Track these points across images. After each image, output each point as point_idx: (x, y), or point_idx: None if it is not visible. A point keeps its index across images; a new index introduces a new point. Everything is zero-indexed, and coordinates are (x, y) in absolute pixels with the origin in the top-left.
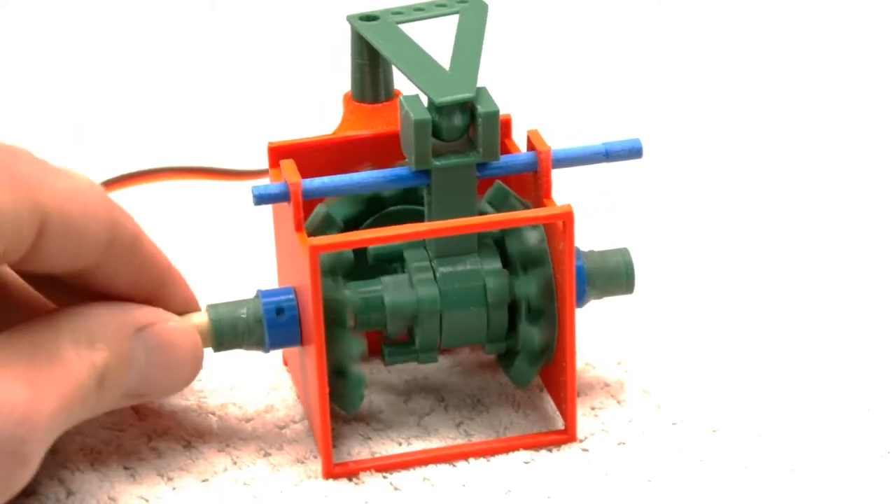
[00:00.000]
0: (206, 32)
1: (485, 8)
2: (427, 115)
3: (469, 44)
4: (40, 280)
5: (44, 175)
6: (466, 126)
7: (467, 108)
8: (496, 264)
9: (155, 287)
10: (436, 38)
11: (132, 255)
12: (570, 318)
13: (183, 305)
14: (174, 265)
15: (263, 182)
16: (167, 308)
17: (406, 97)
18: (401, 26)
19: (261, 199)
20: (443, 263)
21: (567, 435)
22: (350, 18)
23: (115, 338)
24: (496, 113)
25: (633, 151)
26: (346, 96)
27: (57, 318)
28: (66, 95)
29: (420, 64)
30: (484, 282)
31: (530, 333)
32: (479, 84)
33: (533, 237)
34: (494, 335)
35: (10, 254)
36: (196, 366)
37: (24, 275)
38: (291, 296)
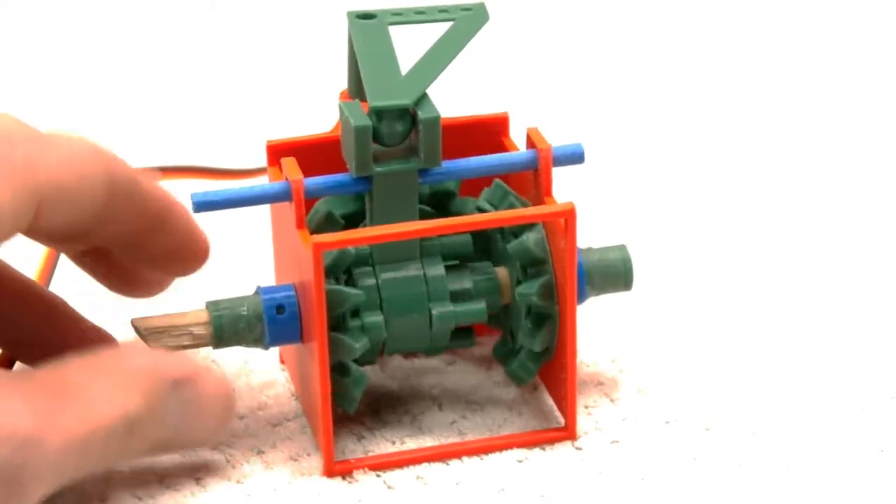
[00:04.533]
0: (203, 31)
1: (484, 19)
2: (367, 121)
3: (443, 52)
4: (41, 235)
5: (36, 151)
6: (407, 132)
7: (408, 113)
8: (439, 270)
9: (157, 221)
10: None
11: (131, 200)
12: (571, 316)
13: (185, 234)
14: (174, 198)
15: (249, 182)
16: (171, 240)
17: (346, 103)
18: (398, 27)
19: (200, 206)
20: (385, 269)
21: (567, 432)
22: (349, 15)
23: (152, 390)
24: (437, 119)
25: (574, 156)
26: (342, 94)
27: (97, 360)
28: (64, 95)
29: (380, 67)
30: (426, 288)
31: (531, 335)
32: (477, 88)
33: (533, 238)
34: (437, 342)
35: (8, 237)
36: (228, 418)
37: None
38: (292, 292)
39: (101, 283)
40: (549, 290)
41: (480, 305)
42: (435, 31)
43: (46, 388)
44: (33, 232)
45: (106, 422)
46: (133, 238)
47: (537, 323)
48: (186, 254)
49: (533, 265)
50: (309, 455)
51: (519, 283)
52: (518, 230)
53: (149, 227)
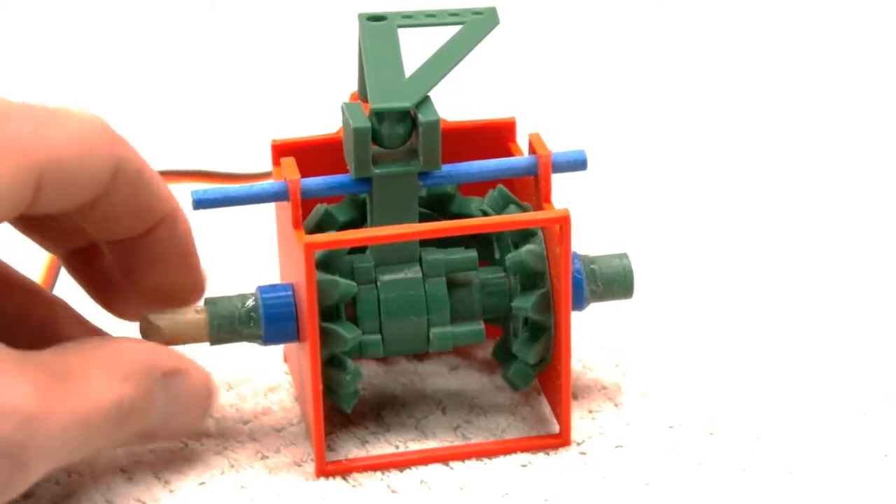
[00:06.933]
0: (213, 33)
1: (494, 23)
2: (366, 123)
3: (448, 56)
4: (38, 219)
5: (38, 127)
6: (407, 134)
7: (409, 116)
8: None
9: (156, 221)
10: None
11: (135, 189)
12: (566, 322)
13: (182, 241)
14: (180, 207)
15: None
16: (166, 243)
17: (348, 104)
18: (407, 30)
19: (199, 203)
20: (385, 272)
21: (561, 438)
22: (360, 17)
23: (144, 381)
24: (437, 122)
25: (577, 163)
26: (352, 96)
27: (92, 349)
28: (69, 97)
29: (385, 69)
30: (425, 291)
31: (526, 347)
32: (486, 92)
33: (530, 251)
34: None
35: (9, 215)
36: (206, 413)
37: (21, 217)
38: (289, 292)
39: (85, 288)
40: (546, 303)
41: (478, 326)
42: (446, 35)
43: (49, 369)
44: (31, 215)
45: (103, 406)
46: (127, 234)
47: (534, 336)
48: (178, 275)
49: (530, 277)
50: (312, 460)
51: (516, 295)
52: (518, 241)
53: (146, 226)
